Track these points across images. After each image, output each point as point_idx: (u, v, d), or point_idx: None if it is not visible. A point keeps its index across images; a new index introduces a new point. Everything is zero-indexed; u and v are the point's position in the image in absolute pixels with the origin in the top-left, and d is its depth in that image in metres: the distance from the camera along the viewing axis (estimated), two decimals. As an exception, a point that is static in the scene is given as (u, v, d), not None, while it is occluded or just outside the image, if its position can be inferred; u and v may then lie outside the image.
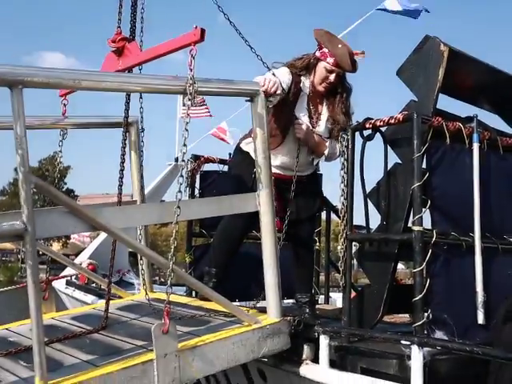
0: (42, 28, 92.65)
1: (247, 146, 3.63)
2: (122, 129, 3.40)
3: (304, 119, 3.55)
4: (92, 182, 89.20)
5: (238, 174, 3.68)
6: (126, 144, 3.36)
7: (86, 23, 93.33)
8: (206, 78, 2.75)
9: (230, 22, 3.09)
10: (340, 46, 3.47)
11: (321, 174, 4.31)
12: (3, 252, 51.31)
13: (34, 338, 2.04)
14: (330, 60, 3.47)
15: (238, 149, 3.76)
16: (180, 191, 2.49)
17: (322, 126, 3.60)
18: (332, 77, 3.51)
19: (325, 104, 3.62)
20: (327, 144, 3.61)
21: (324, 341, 2.87)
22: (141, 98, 3.31)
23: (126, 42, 3.12)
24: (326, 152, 3.61)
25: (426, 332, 2.74)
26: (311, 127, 3.56)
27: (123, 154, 3.29)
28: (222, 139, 11.79)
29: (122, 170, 3.27)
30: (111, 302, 3.35)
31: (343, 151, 3.17)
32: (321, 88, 3.56)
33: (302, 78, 3.58)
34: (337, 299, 5.22)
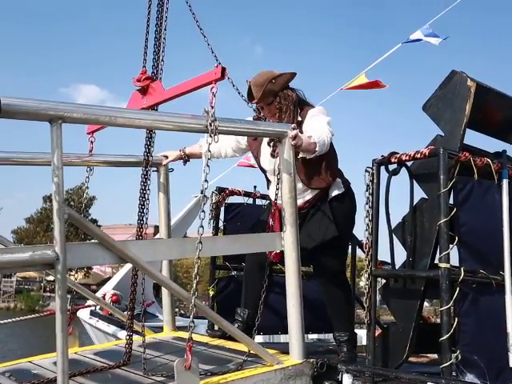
0: (79, 61, 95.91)
1: None
2: (142, 168, 3.23)
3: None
4: (115, 212, 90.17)
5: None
6: (146, 183, 3.20)
7: (119, 58, 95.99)
8: (231, 118, 2.77)
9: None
10: None
11: (341, 196, 3.44)
12: (26, 280, 51.64)
13: (59, 370, 2.03)
14: None
15: None
16: (202, 226, 2.47)
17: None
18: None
19: None
20: (313, 139, 3.09)
21: (347, 380, 2.79)
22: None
23: (150, 81, 3.20)
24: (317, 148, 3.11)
25: (454, 373, 2.65)
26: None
27: (144, 196, 3.15)
28: (251, 166, 11.62)
29: (142, 212, 3.14)
30: (133, 339, 3.31)
31: (368, 185, 3.15)
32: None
33: None
34: (362, 336, 5.10)
